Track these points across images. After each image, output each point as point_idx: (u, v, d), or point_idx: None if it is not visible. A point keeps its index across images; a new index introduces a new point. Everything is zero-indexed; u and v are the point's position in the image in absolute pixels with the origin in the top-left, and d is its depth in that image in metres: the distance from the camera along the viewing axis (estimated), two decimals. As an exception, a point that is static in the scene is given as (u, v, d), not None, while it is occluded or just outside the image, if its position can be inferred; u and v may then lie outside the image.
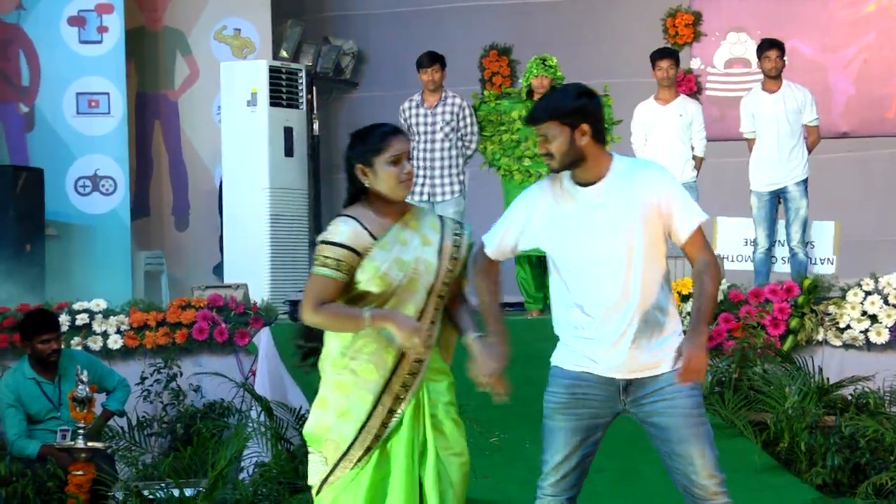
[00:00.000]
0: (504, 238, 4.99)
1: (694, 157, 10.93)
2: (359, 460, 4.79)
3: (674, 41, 12.38)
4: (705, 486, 4.83)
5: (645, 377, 4.88)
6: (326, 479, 4.82)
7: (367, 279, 4.78)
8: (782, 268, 10.28)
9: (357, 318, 4.74)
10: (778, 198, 10.52)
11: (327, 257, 4.77)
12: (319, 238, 4.83)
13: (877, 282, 8.70)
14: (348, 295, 4.81)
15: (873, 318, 8.60)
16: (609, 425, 4.96)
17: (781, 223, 10.42)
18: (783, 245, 10.30)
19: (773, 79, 10.42)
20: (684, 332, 4.87)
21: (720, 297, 8.16)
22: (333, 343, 4.86)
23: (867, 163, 12.38)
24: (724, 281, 8.63)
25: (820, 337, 8.72)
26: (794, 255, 10.16)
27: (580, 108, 4.84)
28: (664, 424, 4.86)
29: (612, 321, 4.84)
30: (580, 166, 4.84)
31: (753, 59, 12.26)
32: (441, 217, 5.01)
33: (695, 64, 12.73)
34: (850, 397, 8.09)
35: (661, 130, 10.81)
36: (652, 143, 10.80)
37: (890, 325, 8.55)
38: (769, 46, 10.56)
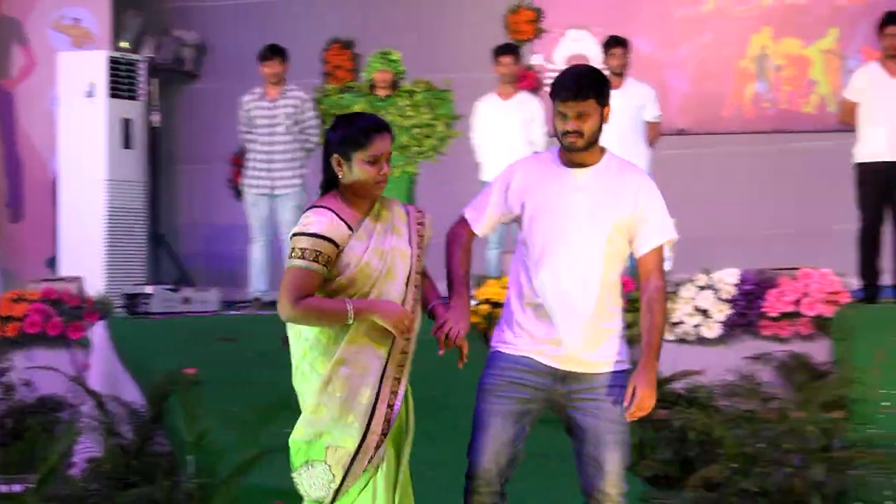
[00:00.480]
0: (490, 213, 4.98)
1: (533, 154, 11.00)
2: (369, 462, 4.61)
3: (515, 37, 12.41)
4: (609, 495, 4.85)
5: (584, 373, 4.87)
6: (340, 489, 4.58)
7: (347, 271, 4.61)
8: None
9: (340, 311, 4.55)
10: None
11: (305, 249, 4.57)
12: (295, 230, 4.63)
13: (709, 277, 8.80)
14: (326, 289, 4.61)
15: (705, 313, 8.70)
16: (539, 413, 4.94)
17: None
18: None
19: (617, 75, 10.52)
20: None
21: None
22: (311, 340, 4.65)
23: (701, 159, 12.56)
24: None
25: (653, 331, 8.80)
26: (630, 251, 10.27)
27: (609, 89, 4.91)
28: (587, 425, 4.87)
29: (565, 310, 4.84)
30: (589, 149, 4.87)
31: (594, 55, 12.38)
32: (405, 205, 4.89)
33: (536, 60, 12.78)
34: (681, 391, 8.18)
35: (502, 126, 10.85)
36: (493, 138, 10.84)
37: (721, 319, 8.65)
38: (615, 44, 10.67)
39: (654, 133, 10.68)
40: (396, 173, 10.63)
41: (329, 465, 4.57)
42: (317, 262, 4.55)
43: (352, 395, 4.58)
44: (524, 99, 11.02)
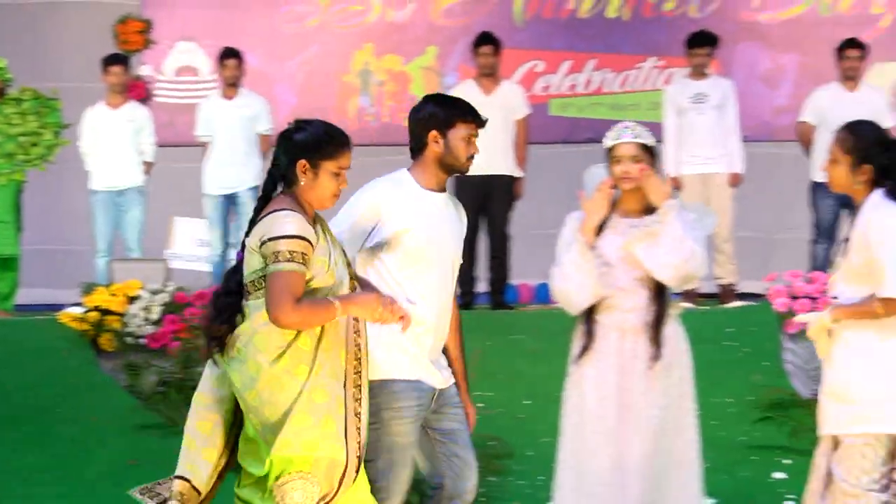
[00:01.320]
0: (352, 232, 4.84)
1: (144, 163, 10.97)
2: (357, 469, 4.40)
3: (124, 48, 12.28)
4: (470, 490, 4.97)
5: (445, 388, 4.96)
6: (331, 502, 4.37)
7: (319, 274, 4.38)
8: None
9: (330, 308, 4.32)
10: (231, 201, 10.74)
11: (292, 252, 4.30)
12: (269, 235, 4.33)
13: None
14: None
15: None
16: None
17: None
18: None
19: (231, 86, 10.61)
20: None
21: (167, 298, 8.19)
22: (284, 347, 4.35)
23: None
24: (171, 283, 8.63)
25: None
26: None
27: None
28: (455, 428, 4.97)
29: (439, 329, 4.93)
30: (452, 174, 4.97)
31: (203, 67, 12.42)
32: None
33: (145, 71, 12.69)
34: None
35: (110, 135, 10.77)
36: (101, 147, 10.73)
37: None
38: (229, 55, 10.77)
39: (267, 145, 10.80)
40: (3, 181, 10.40)
41: (315, 479, 4.35)
42: (304, 263, 4.34)
43: (333, 402, 4.37)
44: (133, 108, 10.97)
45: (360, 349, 4.47)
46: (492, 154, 10.00)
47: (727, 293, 10.59)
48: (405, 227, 4.83)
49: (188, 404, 4.56)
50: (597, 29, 12.83)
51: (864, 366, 4.89)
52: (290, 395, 4.31)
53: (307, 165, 4.45)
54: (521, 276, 10.93)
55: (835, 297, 5.03)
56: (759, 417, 7.47)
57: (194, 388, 4.58)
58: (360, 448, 4.39)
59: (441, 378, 4.94)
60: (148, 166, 10.95)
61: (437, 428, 4.96)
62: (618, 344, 5.24)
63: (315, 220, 4.47)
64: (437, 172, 4.92)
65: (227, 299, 4.49)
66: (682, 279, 5.24)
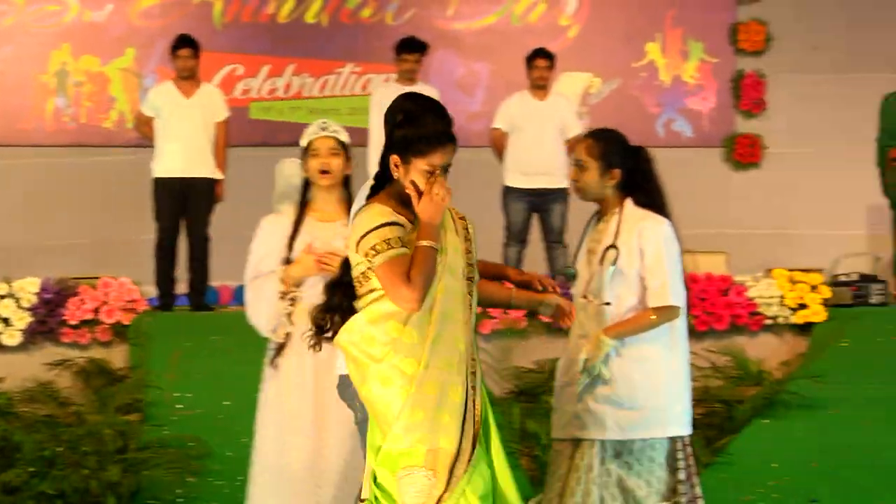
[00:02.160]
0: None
1: None
2: (468, 462, 4.24)
3: None
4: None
5: None
6: (444, 494, 4.20)
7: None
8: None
9: (431, 254, 4.29)
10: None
11: (390, 238, 4.27)
12: (360, 234, 4.30)
13: (10, 286, 8.67)
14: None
15: (6, 321, 8.56)
16: None
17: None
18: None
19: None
20: None
21: None
22: (390, 343, 4.30)
23: (8, 171, 12.32)
24: None
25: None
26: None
27: None
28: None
29: None
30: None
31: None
32: None
33: None
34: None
35: None
36: None
37: (22, 327, 8.55)
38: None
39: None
40: None
41: (430, 471, 4.23)
42: (400, 244, 4.30)
43: (443, 394, 4.26)
44: None
45: (475, 340, 4.49)
46: (191, 157, 9.90)
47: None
48: None
49: None
50: (296, 34, 12.85)
51: (646, 374, 5.01)
52: (399, 389, 4.28)
53: (398, 160, 4.40)
54: (221, 278, 10.83)
55: (608, 304, 5.12)
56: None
57: None
58: (473, 438, 4.31)
59: None
60: None
61: None
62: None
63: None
64: None
65: (340, 291, 4.47)
66: None
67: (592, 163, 5.15)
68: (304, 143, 5.38)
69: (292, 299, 5.26)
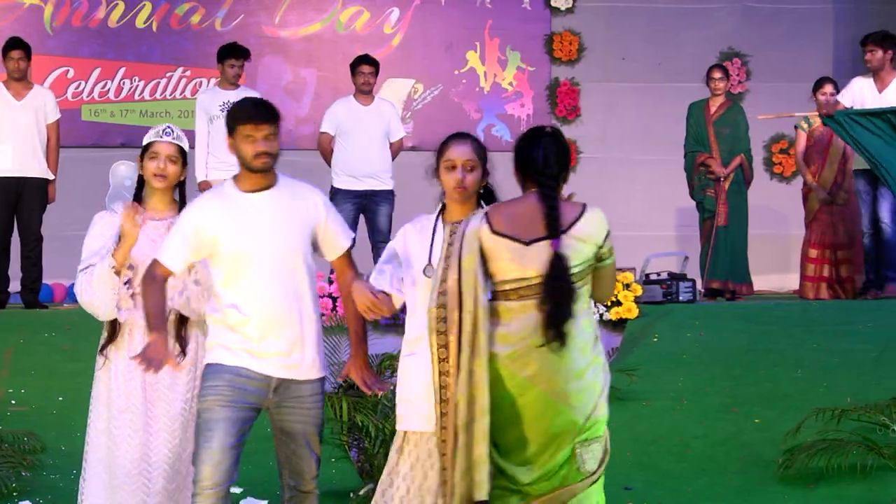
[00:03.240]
0: (181, 249, 4.89)
1: None
2: None
3: None
4: (310, 481, 5.05)
5: (293, 380, 4.92)
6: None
7: None
8: None
9: None
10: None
11: None
12: (607, 230, 4.61)
13: None
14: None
15: None
16: (254, 420, 4.96)
17: None
18: None
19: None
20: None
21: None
22: (594, 333, 4.61)
23: None
24: None
25: None
26: None
27: None
28: (297, 431, 4.99)
29: (275, 323, 4.88)
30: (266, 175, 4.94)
31: None
32: None
33: None
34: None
35: None
36: None
37: None
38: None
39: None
40: None
41: (605, 441, 4.61)
42: None
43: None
44: None
45: None
46: (24, 157, 9.78)
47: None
48: (215, 233, 4.91)
49: None
50: (126, 38, 12.73)
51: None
52: (604, 374, 4.61)
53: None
54: (53, 276, 10.70)
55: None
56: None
57: None
58: None
59: (284, 370, 4.95)
60: None
61: (277, 427, 5.04)
62: (143, 341, 5.20)
63: None
64: (245, 174, 4.98)
65: (567, 288, 4.54)
66: None
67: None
68: (145, 142, 5.35)
69: (128, 282, 5.22)
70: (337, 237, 5.12)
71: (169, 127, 5.38)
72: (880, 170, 9.32)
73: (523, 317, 4.52)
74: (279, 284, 4.93)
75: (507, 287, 4.55)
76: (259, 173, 4.95)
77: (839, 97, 10.35)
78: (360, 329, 5.11)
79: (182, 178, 5.40)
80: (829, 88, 10.63)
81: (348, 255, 5.16)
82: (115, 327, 5.25)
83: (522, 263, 4.53)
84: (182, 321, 5.26)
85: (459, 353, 4.50)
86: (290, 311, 4.95)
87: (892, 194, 9.85)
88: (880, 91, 10.31)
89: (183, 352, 5.25)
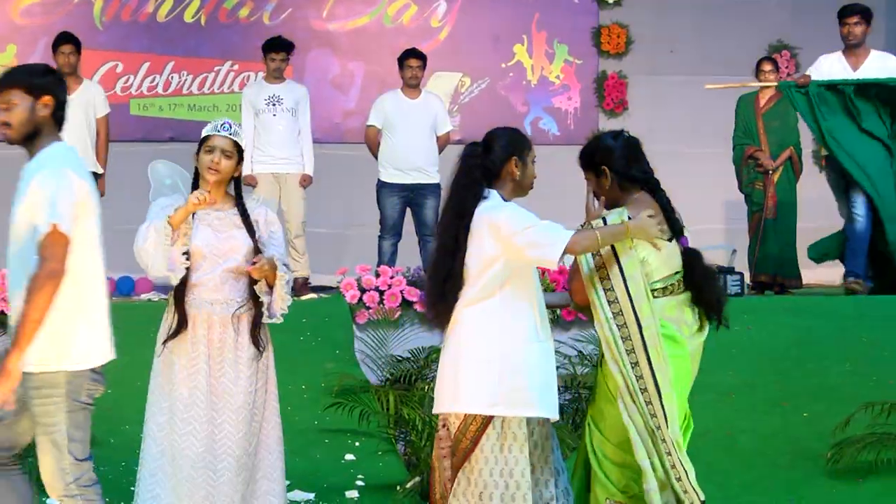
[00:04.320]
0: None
1: None
2: None
3: None
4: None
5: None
6: None
7: None
8: None
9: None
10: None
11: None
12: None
13: None
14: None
15: None
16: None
17: None
18: None
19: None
20: None
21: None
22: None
23: None
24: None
25: None
26: None
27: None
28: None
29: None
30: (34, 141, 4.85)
31: None
32: None
33: None
34: None
35: None
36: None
37: None
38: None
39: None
40: None
41: None
42: None
43: None
44: None
45: None
46: (73, 151, 9.79)
47: (301, 286, 10.70)
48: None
49: None
50: (175, 32, 12.76)
51: None
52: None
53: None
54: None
55: None
56: (330, 403, 7.58)
57: None
58: None
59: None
60: None
61: None
62: (206, 334, 5.23)
63: None
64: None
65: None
66: None
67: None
68: (203, 134, 5.37)
69: (185, 250, 5.23)
70: None
71: (227, 122, 5.39)
72: (838, 151, 9.42)
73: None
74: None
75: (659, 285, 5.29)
76: None
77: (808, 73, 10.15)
78: None
79: (237, 174, 5.40)
80: (767, 66, 10.54)
81: None
82: (180, 323, 5.26)
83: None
84: (256, 322, 5.29)
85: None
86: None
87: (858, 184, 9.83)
88: (854, 69, 10.05)
89: (259, 352, 5.31)
